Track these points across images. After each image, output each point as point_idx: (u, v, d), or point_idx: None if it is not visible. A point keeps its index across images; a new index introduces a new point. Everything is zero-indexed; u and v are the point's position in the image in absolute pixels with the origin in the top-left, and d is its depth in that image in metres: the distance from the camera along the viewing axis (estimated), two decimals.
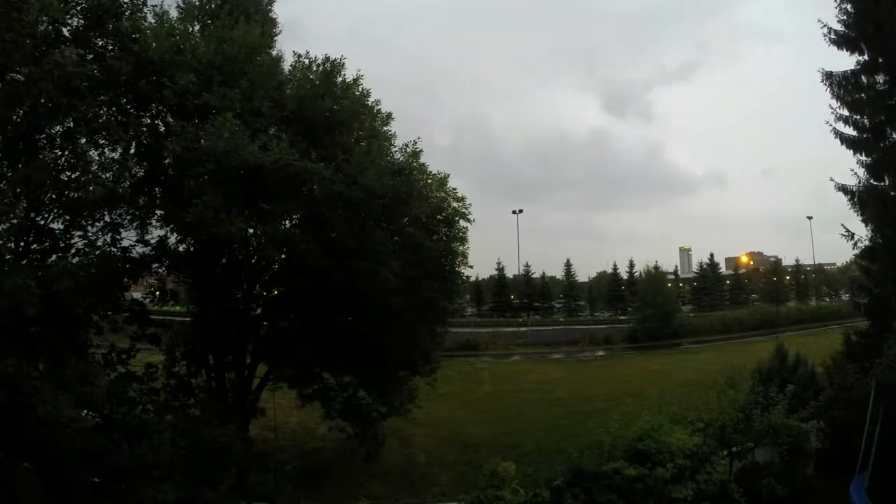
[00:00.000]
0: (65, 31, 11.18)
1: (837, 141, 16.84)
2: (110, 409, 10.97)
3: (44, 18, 10.42)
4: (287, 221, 13.59)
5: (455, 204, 15.18)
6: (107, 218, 12.34)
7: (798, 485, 13.08)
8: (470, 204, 15.38)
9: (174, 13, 14.48)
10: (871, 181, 16.50)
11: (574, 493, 11.43)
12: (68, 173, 11.26)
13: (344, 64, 14.38)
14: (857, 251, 17.27)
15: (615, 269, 73.38)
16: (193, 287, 15.92)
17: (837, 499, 12.26)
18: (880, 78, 16.29)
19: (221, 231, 11.38)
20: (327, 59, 14.31)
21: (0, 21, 9.69)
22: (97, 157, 11.67)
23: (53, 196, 11.27)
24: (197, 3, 15.45)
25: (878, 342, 14.63)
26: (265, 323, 16.50)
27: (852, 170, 16.68)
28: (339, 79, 14.40)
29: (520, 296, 70.00)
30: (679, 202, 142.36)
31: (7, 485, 10.21)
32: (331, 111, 13.62)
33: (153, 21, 13.21)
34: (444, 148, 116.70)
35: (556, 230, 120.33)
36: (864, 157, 16.65)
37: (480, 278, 71.71)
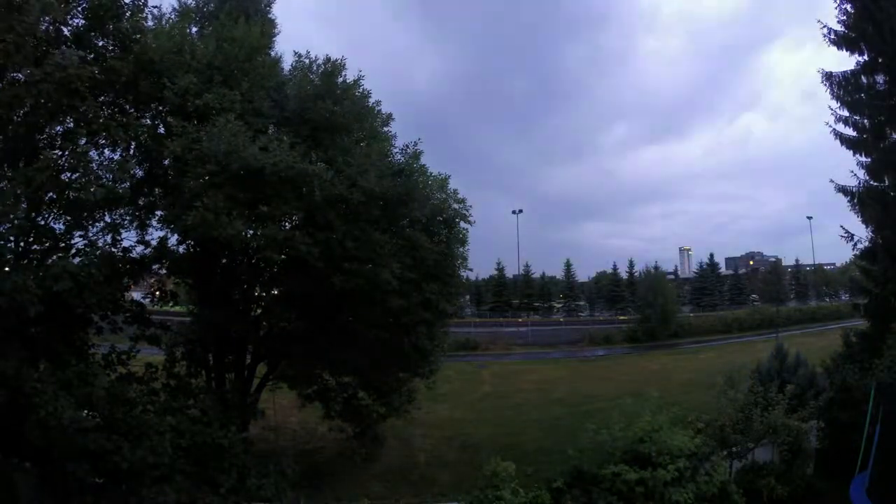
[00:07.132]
0: (65, 31, 11.20)
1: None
2: (110, 410, 10.92)
3: (45, 19, 10.43)
4: (287, 223, 13.56)
5: (455, 205, 15.09)
6: (107, 218, 12.30)
7: (798, 485, 13.12)
8: (470, 206, 15.34)
9: (173, 15, 14.49)
10: (871, 182, 16.53)
11: (574, 495, 11.44)
12: (69, 174, 11.24)
13: (344, 65, 14.37)
14: (856, 252, 17.32)
15: (615, 269, 73.64)
16: (193, 287, 15.90)
17: (837, 499, 12.25)
18: (880, 78, 16.31)
19: (222, 234, 11.34)
20: (328, 59, 14.28)
21: (1, 22, 9.69)
22: (97, 158, 11.64)
23: (54, 196, 11.24)
24: (193, 4, 15.43)
25: (878, 343, 14.69)
26: (265, 323, 16.48)
27: (852, 171, 16.73)
28: (340, 79, 14.39)
29: (520, 296, 70.04)
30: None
31: (7, 485, 10.23)
32: (331, 112, 13.58)
33: (152, 24, 13.20)
34: None
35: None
36: (863, 158, 16.68)
37: (480, 278, 71.91)
